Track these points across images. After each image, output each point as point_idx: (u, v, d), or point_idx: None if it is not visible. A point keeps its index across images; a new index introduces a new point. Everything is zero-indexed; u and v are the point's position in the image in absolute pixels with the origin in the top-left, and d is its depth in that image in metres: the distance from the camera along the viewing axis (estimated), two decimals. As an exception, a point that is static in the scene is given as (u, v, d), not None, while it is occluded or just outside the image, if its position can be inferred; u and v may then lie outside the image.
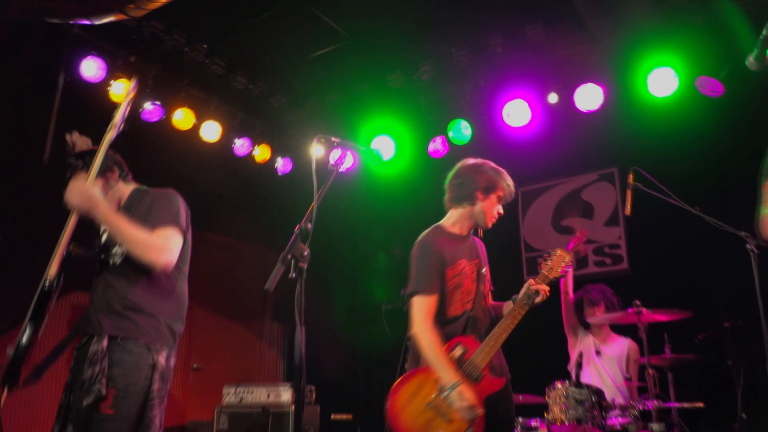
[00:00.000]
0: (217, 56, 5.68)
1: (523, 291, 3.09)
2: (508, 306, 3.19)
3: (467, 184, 3.19)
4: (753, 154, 3.22)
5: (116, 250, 2.82)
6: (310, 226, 2.46)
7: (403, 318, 5.54)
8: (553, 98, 5.45)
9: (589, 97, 5.29)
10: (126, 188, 3.04)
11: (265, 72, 6.04)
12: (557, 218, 5.87)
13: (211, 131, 5.85)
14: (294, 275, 2.37)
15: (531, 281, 3.10)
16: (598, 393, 4.03)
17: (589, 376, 4.73)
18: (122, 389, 2.60)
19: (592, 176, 5.78)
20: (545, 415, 4.12)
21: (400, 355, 5.60)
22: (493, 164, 3.29)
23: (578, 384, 4.04)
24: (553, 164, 5.79)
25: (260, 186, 6.46)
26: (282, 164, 6.49)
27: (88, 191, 2.77)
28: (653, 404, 4.01)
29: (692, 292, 4.87)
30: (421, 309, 2.99)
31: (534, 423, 4.22)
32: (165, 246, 2.74)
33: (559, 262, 3.17)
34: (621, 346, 4.78)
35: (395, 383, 3.00)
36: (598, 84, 5.27)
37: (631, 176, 4.19)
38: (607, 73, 5.28)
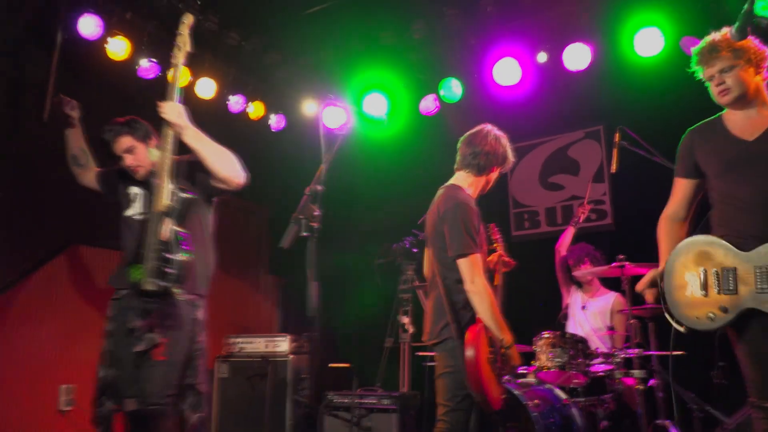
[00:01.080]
0: (210, 12, 5.71)
1: (499, 262, 3.47)
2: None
3: (490, 156, 3.31)
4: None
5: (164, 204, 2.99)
6: (319, 188, 2.67)
7: (394, 272, 5.81)
8: (542, 57, 5.54)
9: (577, 56, 5.38)
10: (155, 155, 3.26)
11: (258, 29, 6.07)
12: (544, 175, 6.05)
13: (206, 88, 5.91)
14: (306, 234, 2.58)
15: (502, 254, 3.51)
16: (583, 342, 4.29)
17: (572, 328, 4.99)
18: (173, 340, 2.90)
19: (579, 134, 5.94)
20: (532, 362, 4.39)
21: (391, 307, 5.87)
22: (504, 137, 3.41)
23: (563, 334, 4.30)
24: (541, 122, 5.94)
25: (254, 142, 6.51)
26: (275, 121, 6.58)
27: (182, 109, 3.06)
28: (635, 352, 4.24)
29: None
30: (477, 267, 3.06)
31: (522, 370, 4.41)
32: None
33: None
34: (606, 300, 5.02)
35: (471, 335, 3.05)
36: (586, 43, 5.35)
37: (617, 135, 4.32)
38: (595, 33, 5.35)
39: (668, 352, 4.25)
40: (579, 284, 5.15)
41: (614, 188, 5.72)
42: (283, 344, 5.55)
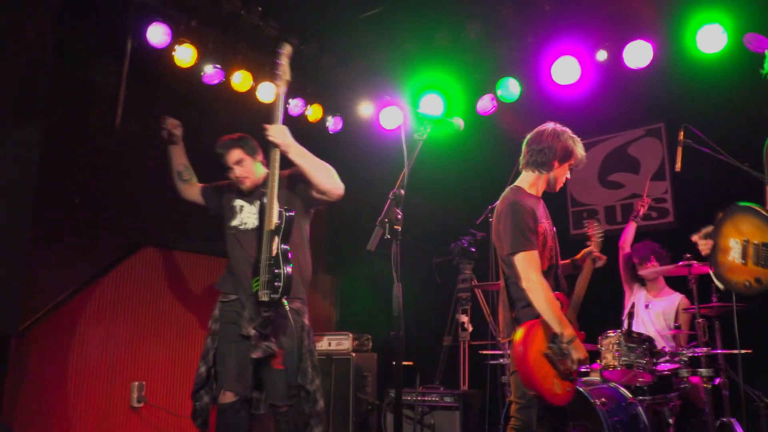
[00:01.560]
0: (270, 19, 5.84)
1: (588, 257, 3.43)
2: (568, 265, 3.49)
3: (546, 151, 3.28)
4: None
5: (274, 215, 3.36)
6: (402, 192, 2.81)
7: (452, 271, 5.86)
8: (602, 55, 5.52)
9: (638, 53, 5.34)
10: (263, 171, 3.70)
11: (316, 33, 6.19)
12: (604, 173, 6.03)
13: (267, 93, 6.05)
14: (389, 236, 2.72)
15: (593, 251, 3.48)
16: (650, 341, 4.28)
17: (636, 327, 4.95)
18: (288, 349, 3.24)
19: (639, 132, 5.89)
20: (598, 361, 4.39)
21: (450, 306, 5.94)
22: (570, 132, 3.40)
23: (630, 332, 4.29)
24: (601, 120, 5.91)
25: (313, 144, 6.60)
26: (333, 123, 6.69)
27: (286, 129, 3.43)
28: (702, 351, 4.24)
29: None
30: (531, 264, 3.07)
31: (585, 368, 4.42)
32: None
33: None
34: (671, 301, 4.99)
35: (522, 332, 3.09)
36: (647, 40, 5.32)
37: (681, 133, 4.26)
38: (656, 30, 5.32)
39: (735, 351, 4.33)
40: (642, 282, 5.13)
41: (676, 186, 5.66)
42: (345, 342, 5.67)
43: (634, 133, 5.91)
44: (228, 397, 3.31)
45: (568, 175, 3.44)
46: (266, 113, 6.04)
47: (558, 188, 3.42)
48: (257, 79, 6.02)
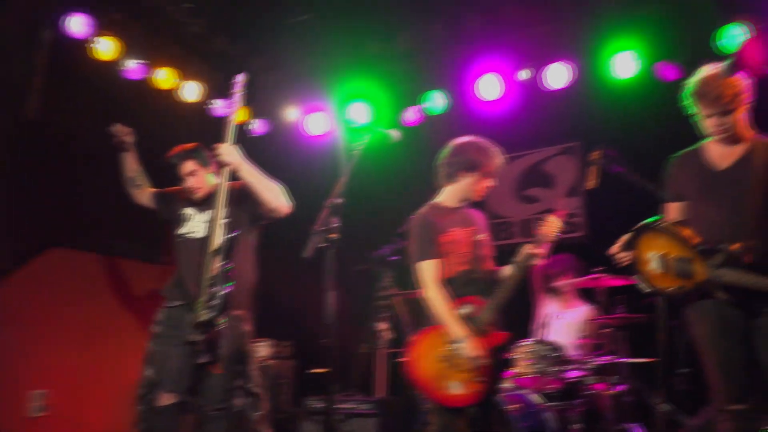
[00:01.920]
0: (197, 16, 5.75)
1: (521, 255, 3.41)
2: (507, 270, 3.51)
3: (452, 163, 3.48)
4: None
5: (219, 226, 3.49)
6: (340, 201, 2.97)
7: (373, 279, 5.90)
8: (524, 75, 5.73)
9: (558, 75, 5.60)
10: (215, 180, 3.74)
11: (244, 34, 6.13)
12: (520, 188, 6.25)
13: (191, 92, 5.95)
14: (325, 244, 2.88)
15: (527, 246, 3.42)
16: (560, 349, 4.48)
17: (547, 336, 5.13)
18: (227, 355, 3.36)
19: (555, 149, 6.16)
20: (511, 368, 4.54)
21: (369, 314, 5.96)
22: (480, 143, 3.52)
23: (543, 341, 4.50)
24: (520, 137, 6.10)
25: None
26: (257, 126, 6.64)
27: (237, 149, 3.47)
28: (607, 359, 4.50)
29: None
30: (426, 273, 3.33)
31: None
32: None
33: (552, 229, 3.48)
34: (580, 313, 5.18)
35: (415, 340, 3.35)
36: (567, 63, 5.57)
37: (597, 153, 4.46)
38: (576, 54, 5.59)
39: (639, 359, 4.60)
40: (554, 293, 5.32)
41: (589, 202, 5.92)
42: (263, 349, 5.61)
43: (551, 150, 6.16)
44: (167, 399, 3.41)
45: (491, 183, 3.54)
46: (190, 112, 6.05)
47: (476, 197, 3.54)
48: (182, 78, 5.91)
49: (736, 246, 2.80)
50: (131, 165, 4.02)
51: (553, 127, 6.06)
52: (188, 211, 3.78)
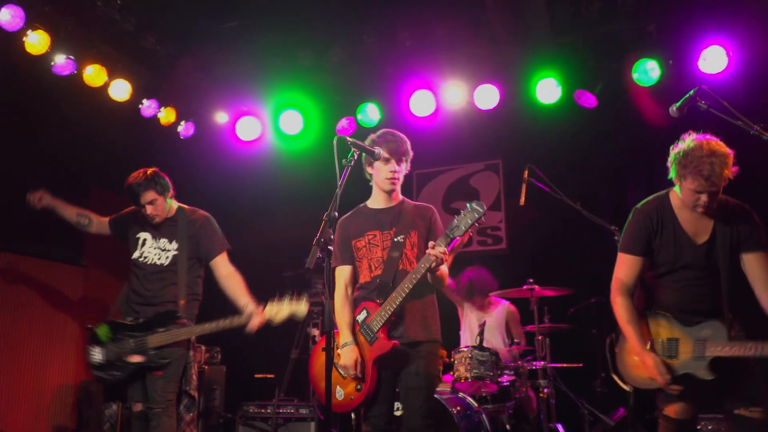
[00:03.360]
0: (128, 13, 5.58)
1: (423, 259, 3.18)
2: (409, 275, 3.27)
3: (362, 164, 3.41)
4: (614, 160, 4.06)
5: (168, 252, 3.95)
6: (336, 213, 2.90)
7: (305, 284, 5.96)
8: (453, 93, 6.00)
9: (485, 95, 5.92)
10: (173, 205, 4.05)
11: (174, 34, 5.99)
12: (447, 200, 6.58)
13: (120, 90, 5.76)
14: (322, 255, 2.80)
15: (429, 244, 3.15)
16: (497, 355, 4.77)
17: (468, 342, 5.45)
18: (169, 360, 3.74)
19: (480, 165, 6.53)
20: (451, 373, 4.84)
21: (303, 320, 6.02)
22: (375, 135, 3.41)
23: (481, 347, 4.75)
24: (448, 152, 6.44)
25: (162, 148, 6.34)
26: (184, 128, 6.50)
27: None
28: (539, 365, 4.86)
29: (567, 271, 5.70)
30: (337, 279, 3.41)
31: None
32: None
33: (466, 220, 3.14)
34: (500, 312, 5.52)
35: (317, 344, 3.54)
36: (495, 84, 5.90)
37: (526, 171, 4.74)
38: (503, 77, 5.93)
39: (566, 365, 5.02)
40: (472, 300, 5.61)
41: (509, 216, 6.34)
42: (197, 355, 5.53)
43: (476, 166, 6.53)
44: (138, 407, 3.77)
45: (393, 168, 3.33)
46: (118, 111, 5.84)
47: (388, 186, 3.36)
48: (111, 75, 5.71)
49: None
50: (68, 213, 4.18)
51: (478, 145, 6.42)
52: (142, 235, 3.99)
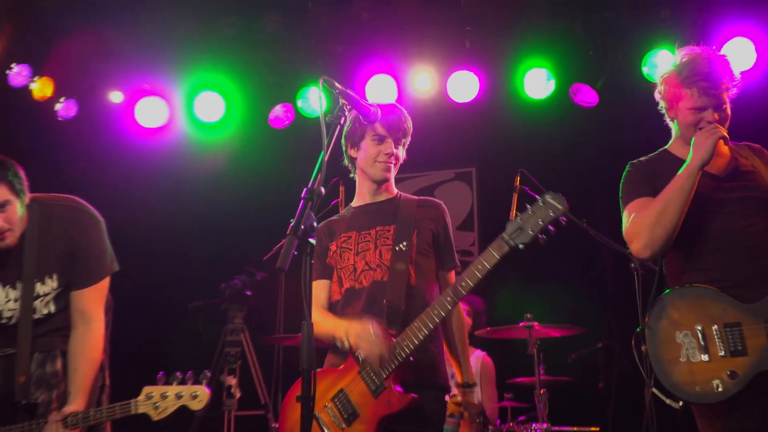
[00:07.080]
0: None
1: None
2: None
3: (342, 145, 2.72)
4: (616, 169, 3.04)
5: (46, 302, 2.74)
6: (323, 190, 1.98)
7: (219, 318, 4.70)
8: (421, 80, 5.04)
9: (461, 85, 5.03)
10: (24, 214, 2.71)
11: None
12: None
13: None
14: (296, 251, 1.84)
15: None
16: (483, 414, 3.72)
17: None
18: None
19: (449, 174, 5.53)
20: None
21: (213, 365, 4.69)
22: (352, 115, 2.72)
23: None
24: (409, 154, 5.31)
25: (32, 129, 5.21)
26: (63, 107, 5.27)
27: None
28: (540, 428, 3.91)
29: (563, 306, 4.81)
30: (313, 298, 2.28)
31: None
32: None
33: (536, 220, 2.40)
34: (474, 365, 4.50)
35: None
36: (473, 72, 5.00)
37: (518, 178, 3.83)
38: (484, 63, 5.05)
39: (576, 428, 4.12)
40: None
41: (483, 237, 5.31)
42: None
43: (445, 174, 5.55)
44: None
45: (390, 150, 2.67)
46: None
47: (380, 171, 2.67)
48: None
49: None
50: None
51: (449, 148, 5.44)
52: None
